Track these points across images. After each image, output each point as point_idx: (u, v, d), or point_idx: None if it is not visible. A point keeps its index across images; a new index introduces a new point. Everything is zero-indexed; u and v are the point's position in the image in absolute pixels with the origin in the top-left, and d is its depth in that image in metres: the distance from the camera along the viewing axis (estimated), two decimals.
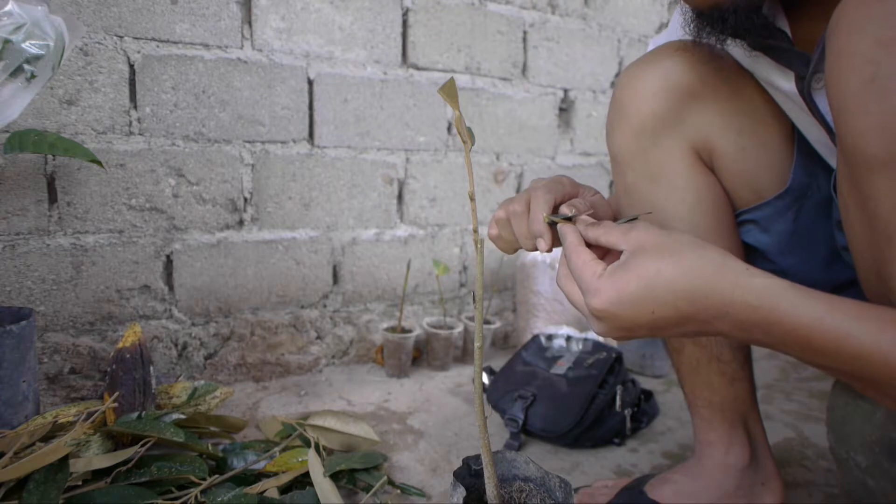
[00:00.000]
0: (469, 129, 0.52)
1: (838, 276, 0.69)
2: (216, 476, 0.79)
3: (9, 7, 0.82)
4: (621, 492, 0.80)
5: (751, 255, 0.73)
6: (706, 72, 0.66)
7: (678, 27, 0.74)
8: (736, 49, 0.68)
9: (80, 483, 0.72)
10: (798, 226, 0.69)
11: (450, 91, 0.50)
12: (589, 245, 0.53)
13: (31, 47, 0.83)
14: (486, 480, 0.55)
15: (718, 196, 0.69)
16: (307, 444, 0.89)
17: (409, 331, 1.34)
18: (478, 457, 0.58)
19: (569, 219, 0.56)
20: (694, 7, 0.60)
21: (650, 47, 0.81)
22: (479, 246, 0.53)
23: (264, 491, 0.77)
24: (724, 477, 0.75)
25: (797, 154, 0.68)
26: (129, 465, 0.76)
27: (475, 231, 0.51)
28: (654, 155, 0.68)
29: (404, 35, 1.35)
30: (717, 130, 0.67)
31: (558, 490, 0.57)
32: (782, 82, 0.64)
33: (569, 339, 1.21)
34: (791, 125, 0.69)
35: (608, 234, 0.52)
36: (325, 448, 0.88)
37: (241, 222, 1.22)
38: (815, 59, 0.57)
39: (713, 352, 0.74)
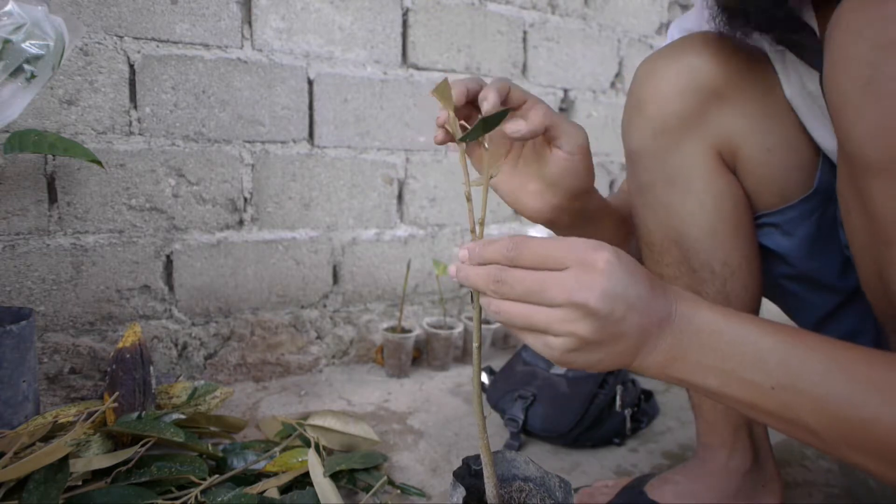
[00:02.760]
0: (463, 130, 0.52)
1: (853, 282, 0.67)
2: (216, 476, 0.79)
3: (9, 7, 0.82)
4: (621, 492, 0.80)
5: (769, 258, 0.71)
6: (733, 69, 0.63)
7: (702, 9, 0.71)
8: (765, 44, 0.66)
9: (80, 483, 0.72)
10: (821, 230, 0.66)
11: (443, 92, 0.50)
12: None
13: (31, 47, 0.83)
14: (486, 480, 0.55)
15: (739, 201, 0.66)
16: (307, 444, 0.89)
17: (409, 331, 1.34)
18: (478, 457, 0.58)
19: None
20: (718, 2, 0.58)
21: (672, 30, 0.77)
22: None
23: (264, 491, 0.77)
24: (726, 480, 0.75)
25: (822, 154, 0.65)
26: (129, 465, 0.76)
27: (472, 231, 0.51)
28: (674, 157, 0.65)
29: (404, 35, 1.35)
30: (742, 132, 0.64)
31: (558, 490, 0.57)
32: (808, 81, 0.62)
33: None
34: None
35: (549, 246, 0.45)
36: (325, 448, 0.88)
37: (241, 222, 1.22)
38: None
39: None
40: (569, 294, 0.42)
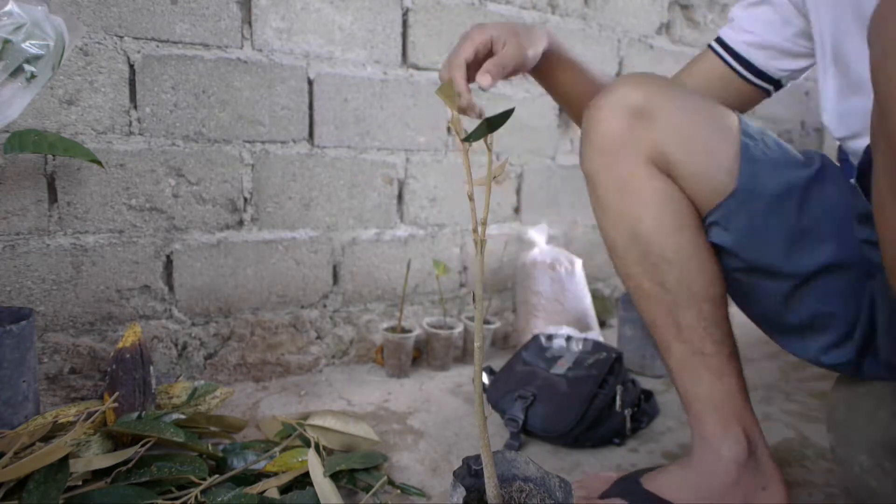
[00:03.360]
0: (466, 130, 0.52)
1: (804, 265, 0.73)
2: (216, 476, 0.79)
3: (9, 7, 0.82)
4: (618, 481, 0.81)
5: (721, 255, 0.78)
6: (652, 93, 0.75)
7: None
8: None
9: (80, 483, 0.72)
10: (753, 221, 0.74)
11: (447, 92, 0.50)
12: None
13: (31, 47, 0.83)
14: (486, 480, 0.55)
15: (680, 199, 0.76)
16: (307, 444, 0.89)
17: (409, 331, 1.34)
18: (478, 457, 0.58)
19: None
20: None
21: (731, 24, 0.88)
22: (479, 246, 0.53)
23: (264, 491, 0.77)
24: (721, 470, 0.75)
25: (742, 154, 0.74)
26: (129, 465, 0.76)
27: (475, 231, 0.51)
28: (617, 169, 0.76)
29: (404, 35, 1.35)
30: (666, 142, 0.74)
31: (558, 490, 0.57)
32: None
33: (569, 339, 1.21)
34: (736, 124, 0.75)
35: None
36: (325, 448, 0.88)
37: (241, 222, 1.22)
38: None
39: (696, 346, 0.76)
40: None
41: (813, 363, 0.79)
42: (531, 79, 0.89)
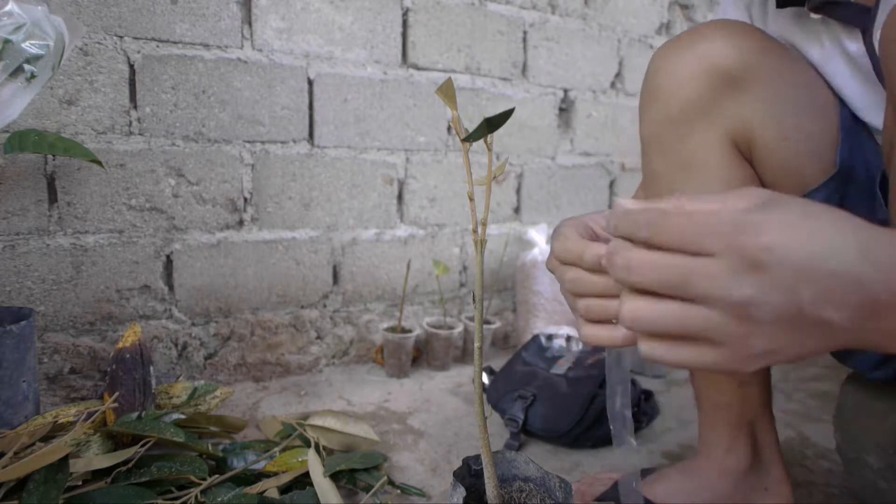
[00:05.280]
0: (466, 130, 0.52)
1: None
2: (216, 476, 0.79)
3: (9, 7, 0.82)
4: (616, 484, 0.81)
5: None
6: (747, 57, 0.62)
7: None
8: (787, 21, 0.66)
9: (80, 483, 0.72)
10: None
11: (447, 91, 0.50)
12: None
13: (31, 47, 0.83)
14: (486, 480, 0.55)
15: None
16: (307, 444, 0.89)
17: (409, 331, 1.34)
18: (478, 457, 0.58)
19: None
20: None
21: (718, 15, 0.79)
22: (479, 246, 0.53)
23: (264, 491, 0.77)
24: (721, 479, 0.74)
25: (842, 134, 0.63)
26: (129, 465, 0.76)
27: (475, 231, 0.51)
28: (687, 144, 0.64)
29: (404, 35, 1.35)
30: (757, 119, 0.62)
31: (558, 490, 0.57)
32: (849, 43, 0.61)
33: (569, 339, 1.21)
34: (836, 104, 0.65)
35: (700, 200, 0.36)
36: (325, 448, 0.88)
37: (241, 222, 1.22)
38: (875, 11, 0.55)
39: None
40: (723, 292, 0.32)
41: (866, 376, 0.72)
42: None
